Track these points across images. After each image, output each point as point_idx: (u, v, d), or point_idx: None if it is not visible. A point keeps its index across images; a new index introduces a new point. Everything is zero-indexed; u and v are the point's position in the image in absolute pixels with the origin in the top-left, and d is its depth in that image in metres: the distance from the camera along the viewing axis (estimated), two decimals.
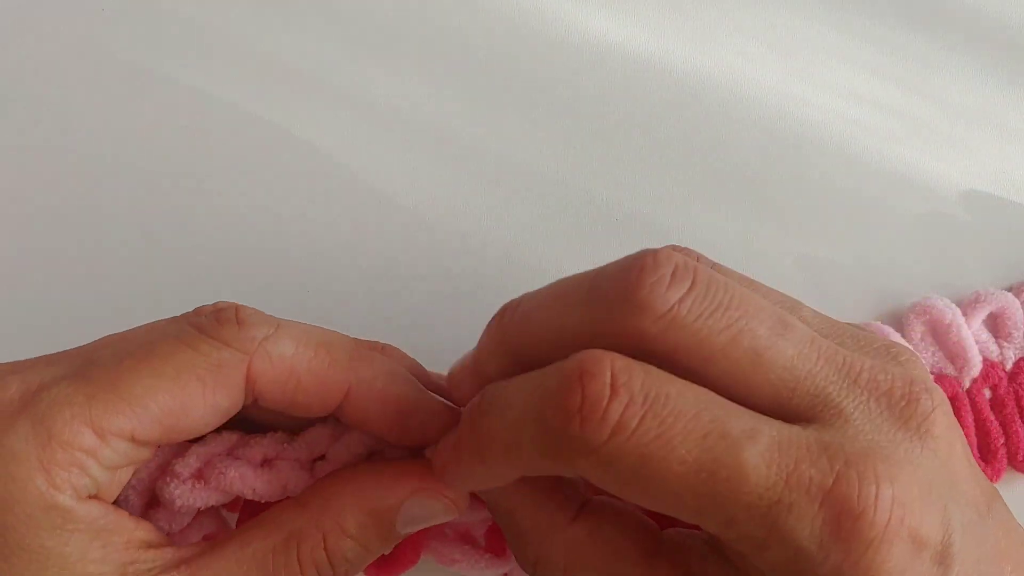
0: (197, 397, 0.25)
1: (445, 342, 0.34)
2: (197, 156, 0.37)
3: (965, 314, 0.32)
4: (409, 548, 0.30)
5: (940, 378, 0.32)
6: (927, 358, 0.32)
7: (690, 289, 0.22)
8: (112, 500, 0.25)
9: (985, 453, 0.31)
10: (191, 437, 0.26)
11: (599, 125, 0.37)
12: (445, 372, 0.29)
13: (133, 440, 0.24)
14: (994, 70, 0.37)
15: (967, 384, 0.32)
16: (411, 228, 0.36)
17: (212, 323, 0.26)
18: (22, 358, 0.26)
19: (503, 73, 0.38)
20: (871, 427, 0.22)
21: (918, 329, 0.32)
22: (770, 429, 0.22)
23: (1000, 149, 0.37)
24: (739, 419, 0.22)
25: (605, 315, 0.22)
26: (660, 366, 0.22)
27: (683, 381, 0.22)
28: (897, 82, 0.37)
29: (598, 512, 0.25)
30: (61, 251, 0.36)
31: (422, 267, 0.36)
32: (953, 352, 0.32)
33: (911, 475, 0.22)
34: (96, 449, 0.24)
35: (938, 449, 0.23)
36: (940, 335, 0.32)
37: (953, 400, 0.32)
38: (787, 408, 0.22)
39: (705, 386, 0.22)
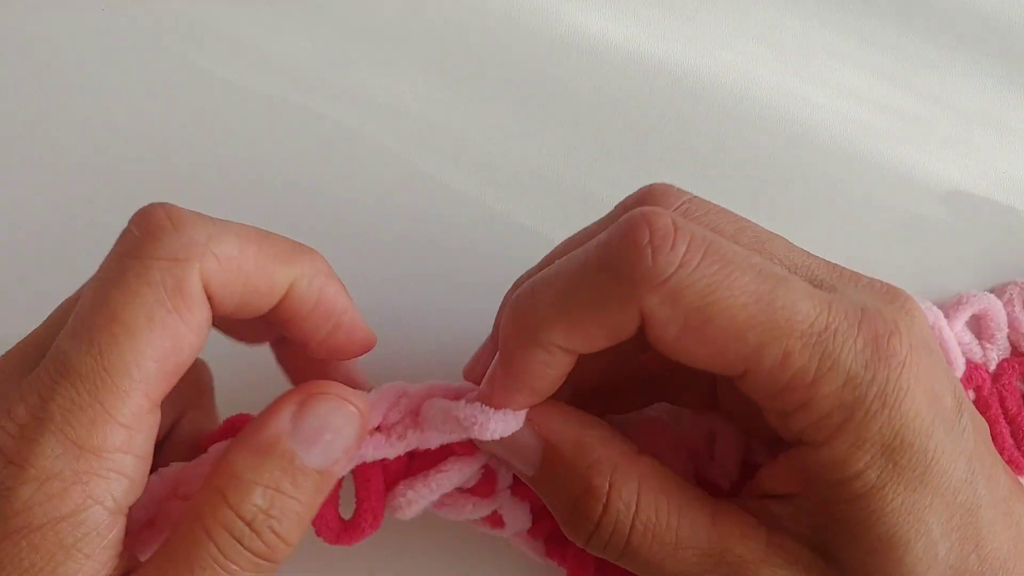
0: (179, 328, 0.24)
1: (445, 343, 0.35)
2: (196, 156, 0.37)
3: (948, 316, 0.32)
4: (369, 510, 0.29)
5: (976, 367, 0.32)
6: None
7: (695, 245, 0.24)
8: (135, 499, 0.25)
9: None
10: (190, 364, 0.25)
11: (599, 125, 0.37)
12: (445, 377, 0.29)
13: (152, 409, 0.24)
14: (994, 70, 0.37)
15: None
16: (410, 230, 0.36)
17: (147, 238, 0.24)
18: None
19: (503, 74, 0.38)
20: (864, 298, 0.24)
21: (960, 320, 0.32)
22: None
23: (999, 149, 0.36)
24: (777, 265, 0.24)
25: (629, 279, 0.23)
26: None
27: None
28: (897, 82, 0.37)
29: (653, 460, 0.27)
30: (60, 251, 0.36)
31: (421, 269, 0.36)
32: None
33: (911, 328, 0.24)
34: (128, 442, 0.23)
35: (923, 328, 0.25)
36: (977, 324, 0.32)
37: None
38: None
39: None
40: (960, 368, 0.32)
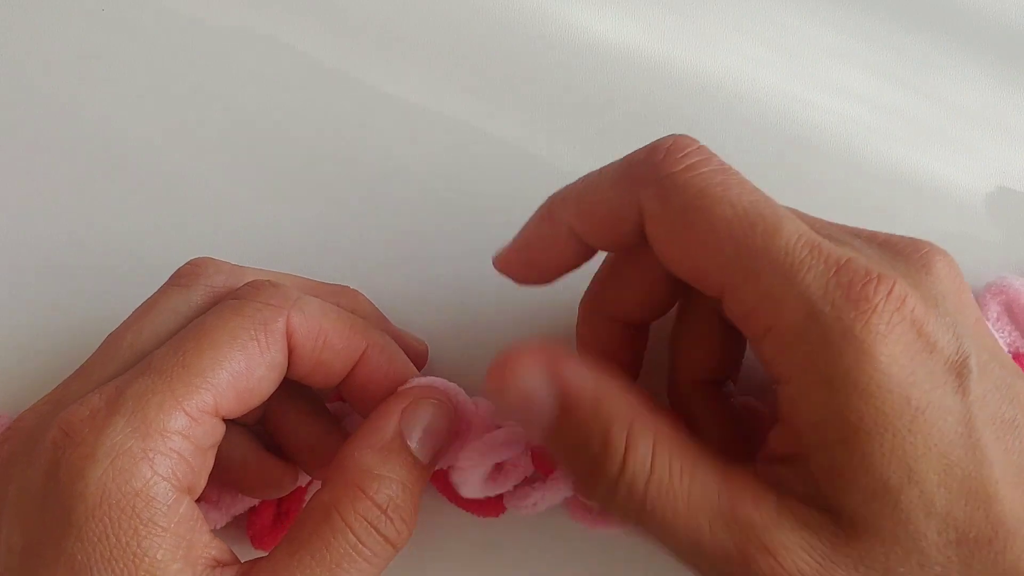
0: (256, 355, 0.27)
1: (448, 343, 0.35)
2: (197, 156, 0.37)
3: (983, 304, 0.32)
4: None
5: (1017, 356, 0.32)
6: (1003, 337, 0.32)
7: (704, 160, 0.26)
8: (197, 496, 0.26)
9: None
10: (259, 401, 0.27)
11: (599, 125, 0.37)
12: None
13: (216, 413, 0.26)
14: (994, 70, 0.38)
15: None
16: (411, 231, 0.36)
17: (249, 290, 0.28)
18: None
19: (502, 73, 0.37)
20: (876, 255, 0.25)
21: (994, 309, 0.32)
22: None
23: (1000, 148, 0.37)
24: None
25: (638, 172, 0.26)
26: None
27: None
28: (897, 82, 0.37)
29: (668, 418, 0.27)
30: (63, 252, 0.36)
31: (422, 270, 0.36)
32: None
33: (916, 286, 0.24)
34: (190, 430, 0.25)
35: (941, 281, 0.25)
36: (1016, 314, 0.32)
37: None
38: None
39: None
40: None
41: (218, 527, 0.31)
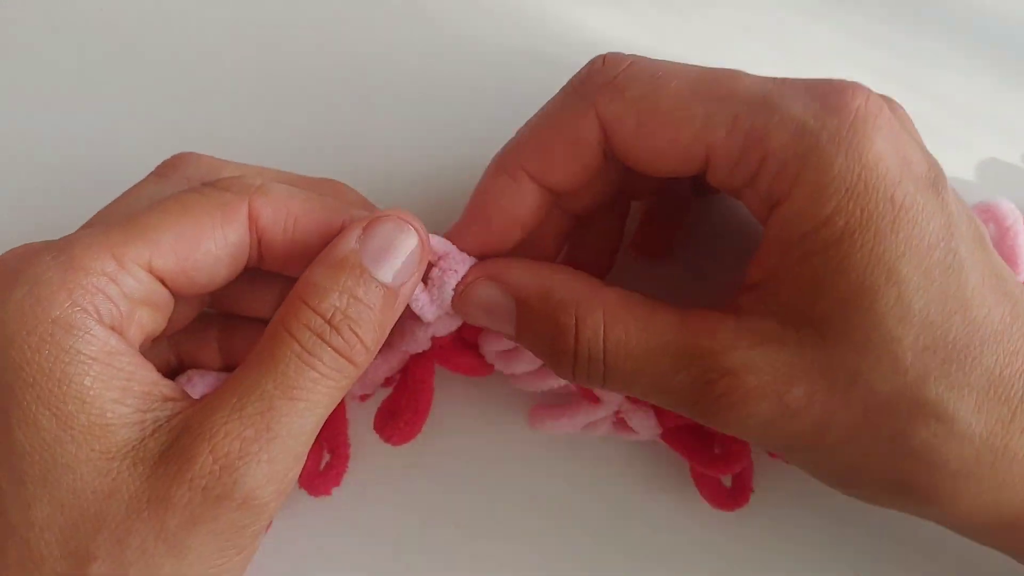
0: (208, 229, 0.26)
1: None
2: (197, 66, 0.37)
3: None
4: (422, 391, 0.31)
5: None
6: None
7: (641, 58, 0.27)
8: (136, 345, 0.26)
9: None
10: (209, 280, 0.27)
11: None
12: None
13: (151, 269, 0.25)
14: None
15: None
16: (406, 139, 0.36)
17: (215, 180, 0.28)
18: None
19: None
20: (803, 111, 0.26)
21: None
22: None
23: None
24: None
25: (586, 86, 0.27)
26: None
27: None
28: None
29: (624, 288, 0.28)
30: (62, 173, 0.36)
31: (417, 179, 0.36)
32: (1007, 257, 0.31)
33: (877, 100, 0.26)
34: (116, 274, 0.25)
35: (901, 115, 0.27)
36: (997, 237, 0.31)
37: None
38: None
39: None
40: None
41: None
